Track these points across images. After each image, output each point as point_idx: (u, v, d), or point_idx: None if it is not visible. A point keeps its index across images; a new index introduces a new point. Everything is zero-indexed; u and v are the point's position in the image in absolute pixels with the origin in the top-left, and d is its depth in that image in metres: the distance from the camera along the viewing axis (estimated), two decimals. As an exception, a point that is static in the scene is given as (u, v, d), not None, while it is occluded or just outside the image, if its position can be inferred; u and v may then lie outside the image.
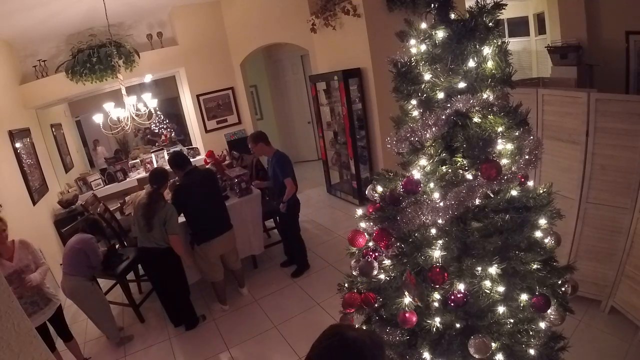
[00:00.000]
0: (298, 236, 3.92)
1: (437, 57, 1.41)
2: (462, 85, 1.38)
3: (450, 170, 1.42)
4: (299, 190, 6.61)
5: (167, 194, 3.34)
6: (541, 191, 1.48)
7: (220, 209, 3.38)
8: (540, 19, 5.93)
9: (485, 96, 1.36)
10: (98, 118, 4.53)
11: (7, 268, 2.46)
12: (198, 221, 3.26)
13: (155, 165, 6.37)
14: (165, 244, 3.07)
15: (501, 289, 1.39)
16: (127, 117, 4.58)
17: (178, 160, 3.28)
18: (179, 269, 3.24)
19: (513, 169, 1.34)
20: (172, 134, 8.59)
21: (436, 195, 1.40)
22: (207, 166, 5.09)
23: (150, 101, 4.74)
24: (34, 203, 4.28)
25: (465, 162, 1.40)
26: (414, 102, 1.50)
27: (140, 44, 5.73)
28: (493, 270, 1.36)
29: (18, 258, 2.57)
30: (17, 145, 4.19)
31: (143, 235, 3.05)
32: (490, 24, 1.35)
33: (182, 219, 3.45)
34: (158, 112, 8.25)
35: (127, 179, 6.07)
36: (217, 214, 3.33)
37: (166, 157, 6.61)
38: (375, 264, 1.55)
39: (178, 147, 7.11)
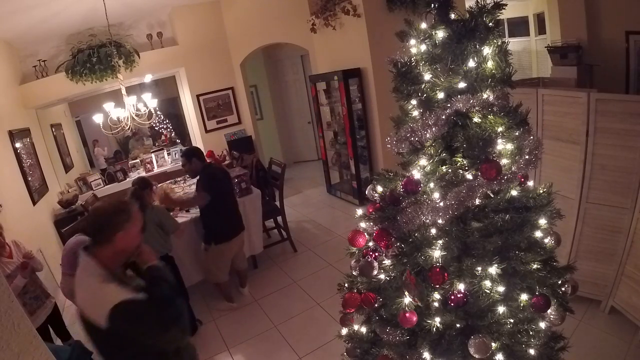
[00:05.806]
0: None
1: (437, 57, 1.41)
2: (462, 85, 1.38)
3: (450, 170, 1.42)
4: (299, 190, 6.63)
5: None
6: (541, 191, 1.48)
7: (237, 208, 3.40)
8: (540, 19, 5.93)
9: (485, 96, 1.36)
10: (98, 118, 4.54)
11: (11, 264, 2.59)
12: (225, 217, 3.22)
13: (155, 166, 6.40)
14: (162, 251, 3.06)
15: (501, 289, 1.39)
16: (127, 117, 4.58)
17: (198, 151, 3.26)
18: (175, 273, 3.22)
19: (513, 169, 1.34)
20: (172, 134, 8.60)
21: (436, 195, 1.40)
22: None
23: (150, 101, 4.74)
24: (34, 203, 4.28)
25: (465, 162, 1.40)
26: (414, 102, 1.50)
27: (140, 44, 5.73)
28: (493, 270, 1.36)
29: (16, 254, 2.70)
30: (17, 145, 4.19)
31: None
32: (490, 24, 1.35)
33: (182, 219, 3.44)
34: (158, 112, 8.25)
35: (127, 179, 6.07)
36: (237, 213, 3.36)
37: (166, 157, 6.64)
38: (375, 264, 1.55)
39: (178, 147, 7.13)
